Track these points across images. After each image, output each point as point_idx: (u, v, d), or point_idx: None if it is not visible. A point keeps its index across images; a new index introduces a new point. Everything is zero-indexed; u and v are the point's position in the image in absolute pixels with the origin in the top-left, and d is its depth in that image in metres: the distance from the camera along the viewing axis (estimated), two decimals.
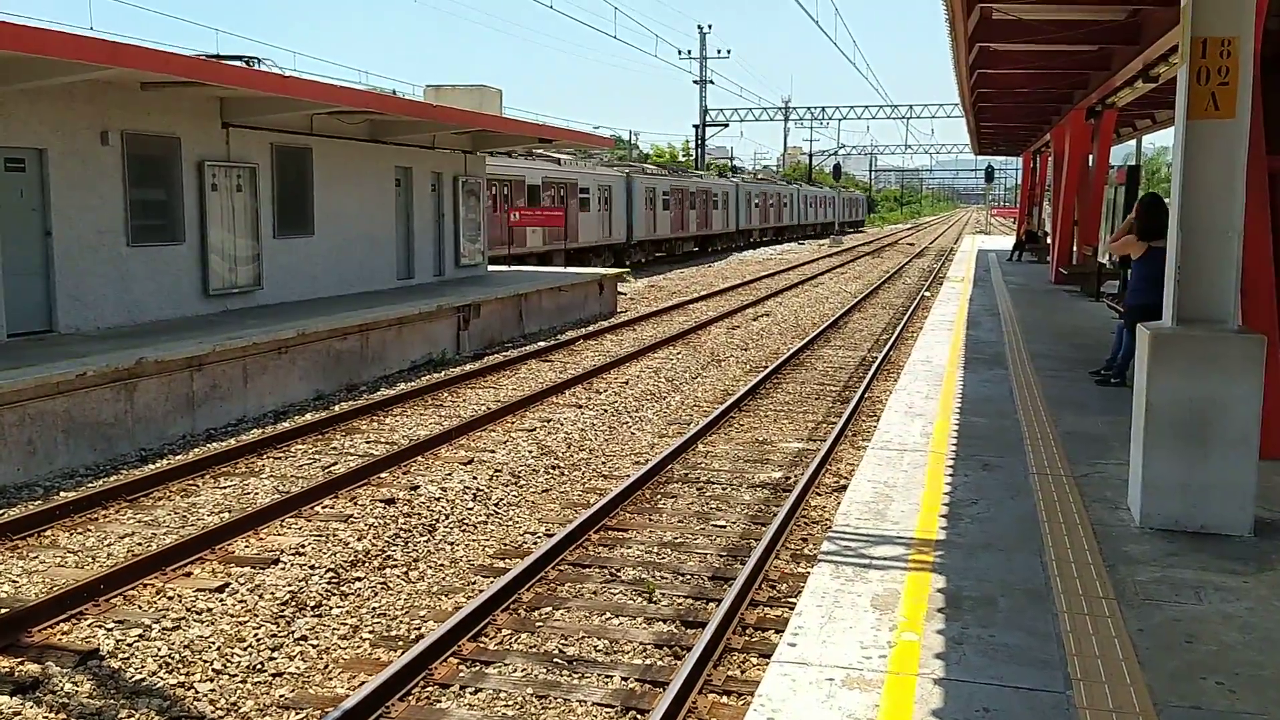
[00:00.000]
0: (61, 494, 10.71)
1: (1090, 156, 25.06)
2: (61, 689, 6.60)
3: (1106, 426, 10.12)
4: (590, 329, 23.52)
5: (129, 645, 7.17)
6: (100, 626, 7.45)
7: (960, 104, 29.86)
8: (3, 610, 7.68)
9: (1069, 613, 5.71)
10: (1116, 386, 12.15)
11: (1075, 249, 26.09)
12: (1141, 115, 29.58)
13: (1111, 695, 4.80)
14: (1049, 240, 32.38)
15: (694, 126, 69.44)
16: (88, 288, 15.34)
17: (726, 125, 71.17)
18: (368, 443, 12.87)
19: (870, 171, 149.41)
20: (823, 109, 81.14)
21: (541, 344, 21.02)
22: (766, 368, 18.38)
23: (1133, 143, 36.52)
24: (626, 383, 16.88)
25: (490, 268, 28.21)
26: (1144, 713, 4.66)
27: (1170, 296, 7.28)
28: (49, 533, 9.55)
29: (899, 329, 23.63)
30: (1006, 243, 48.01)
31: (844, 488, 10.68)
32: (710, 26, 76.45)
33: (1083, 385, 12.33)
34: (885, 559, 6.51)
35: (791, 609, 7.32)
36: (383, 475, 11.37)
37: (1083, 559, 6.53)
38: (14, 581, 8.37)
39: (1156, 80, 17.14)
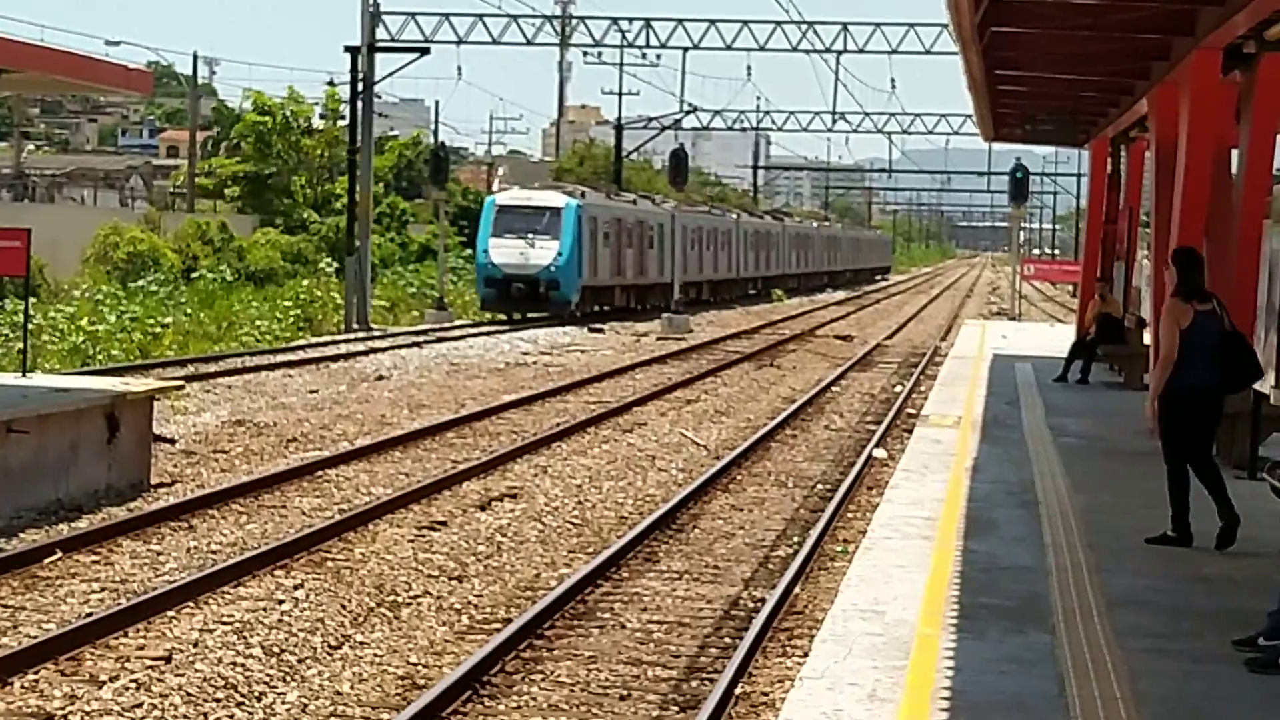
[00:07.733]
0: None
1: (1237, 148, 12.81)
2: None
3: None
4: (80, 526, 10.19)
5: None
6: None
7: (952, 29, 15.22)
8: None
9: None
10: None
11: None
12: None
13: None
14: (1147, 332, 16.43)
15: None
16: None
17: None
18: None
19: (756, 167, 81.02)
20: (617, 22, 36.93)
21: None
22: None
23: None
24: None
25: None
26: None
27: None
28: None
29: (807, 552, 10.24)
30: (1054, 339, 24.96)
31: None
32: None
33: (1226, 675, 6.04)
34: None
35: None
36: None
37: None
38: None
39: None
